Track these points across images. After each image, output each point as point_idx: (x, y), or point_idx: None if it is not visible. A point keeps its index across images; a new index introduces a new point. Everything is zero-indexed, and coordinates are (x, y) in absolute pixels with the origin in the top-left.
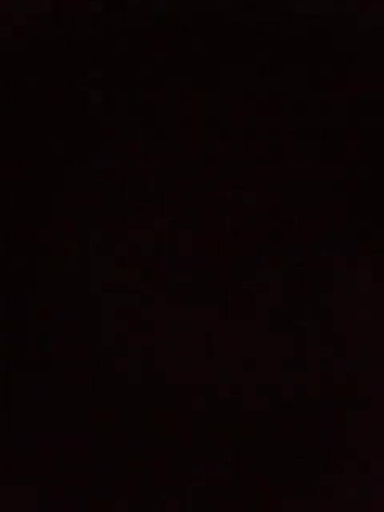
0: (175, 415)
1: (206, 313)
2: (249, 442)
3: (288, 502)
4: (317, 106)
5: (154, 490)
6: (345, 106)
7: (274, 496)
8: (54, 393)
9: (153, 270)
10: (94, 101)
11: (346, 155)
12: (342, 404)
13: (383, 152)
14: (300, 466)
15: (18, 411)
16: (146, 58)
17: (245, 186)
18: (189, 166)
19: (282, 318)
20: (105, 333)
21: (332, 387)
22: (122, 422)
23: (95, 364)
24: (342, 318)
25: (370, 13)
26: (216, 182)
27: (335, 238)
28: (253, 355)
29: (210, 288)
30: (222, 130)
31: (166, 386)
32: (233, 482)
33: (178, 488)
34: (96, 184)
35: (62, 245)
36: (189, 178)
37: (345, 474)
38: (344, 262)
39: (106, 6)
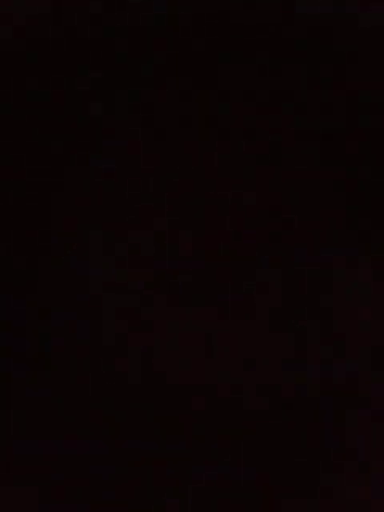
0: (175, 415)
1: (206, 313)
2: (249, 442)
3: (288, 501)
4: (317, 106)
5: (153, 489)
6: (345, 106)
7: (274, 496)
8: (54, 393)
9: (153, 270)
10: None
11: (346, 155)
12: (342, 404)
13: (383, 152)
14: (300, 466)
15: (18, 411)
16: (146, 57)
17: (245, 186)
18: (189, 166)
19: (282, 318)
20: (105, 333)
21: (332, 387)
22: (121, 422)
23: (95, 364)
24: (342, 318)
25: (369, 13)
26: (216, 182)
27: (335, 238)
28: (253, 355)
29: (210, 288)
30: (222, 130)
31: (166, 385)
32: (233, 481)
33: (178, 488)
34: (96, 184)
35: (62, 245)
36: (189, 178)
37: (345, 474)
38: (344, 262)
39: (106, 5)
